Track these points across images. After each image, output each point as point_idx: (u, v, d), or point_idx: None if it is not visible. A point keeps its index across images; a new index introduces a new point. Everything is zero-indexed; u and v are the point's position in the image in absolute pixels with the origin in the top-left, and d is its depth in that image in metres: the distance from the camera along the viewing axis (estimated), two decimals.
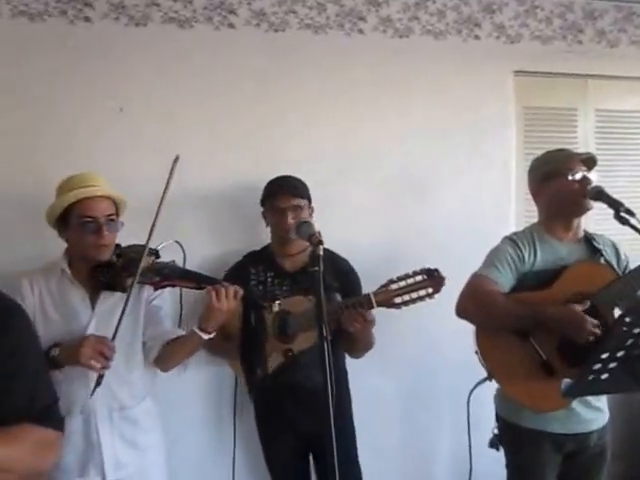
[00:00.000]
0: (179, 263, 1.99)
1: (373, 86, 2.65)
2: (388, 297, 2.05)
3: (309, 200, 2.30)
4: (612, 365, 1.57)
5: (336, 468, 1.25)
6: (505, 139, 2.85)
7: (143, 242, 1.92)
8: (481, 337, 2.04)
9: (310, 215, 2.28)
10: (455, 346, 2.40)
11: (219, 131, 2.50)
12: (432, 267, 2.06)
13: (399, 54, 2.67)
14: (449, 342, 2.62)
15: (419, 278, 2.05)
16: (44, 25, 2.33)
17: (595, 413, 2.07)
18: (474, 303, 2.01)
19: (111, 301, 1.95)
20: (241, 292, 1.88)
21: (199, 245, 2.38)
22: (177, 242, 2.02)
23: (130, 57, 2.41)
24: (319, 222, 1.89)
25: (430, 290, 2.05)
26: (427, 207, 2.74)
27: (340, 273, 2.26)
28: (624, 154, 3.05)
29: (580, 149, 2.75)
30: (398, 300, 2.05)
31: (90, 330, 1.90)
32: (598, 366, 1.56)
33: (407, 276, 2.06)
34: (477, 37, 2.77)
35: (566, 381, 1.89)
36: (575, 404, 1.99)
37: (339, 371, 2.29)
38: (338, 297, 2.18)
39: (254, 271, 2.28)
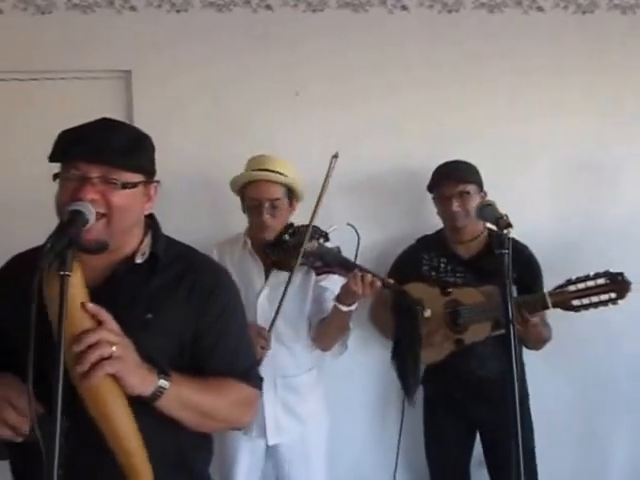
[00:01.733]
0: (353, 246, 2.04)
1: (550, 67, 2.52)
2: (565, 299, 1.98)
3: (479, 185, 2.23)
4: None
5: (521, 462, 1.21)
6: None
7: (317, 223, 2.03)
8: None
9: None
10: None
11: (388, 115, 2.52)
12: (616, 270, 1.95)
13: (582, 32, 2.52)
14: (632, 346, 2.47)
15: (601, 281, 1.96)
16: (231, 15, 2.49)
17: None
18: None
19: (281, 277, 2.05)
20: (378, 284, 1.90)
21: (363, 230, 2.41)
22: (350, 225, 2.07)
23: (307, 42, 2.50)
24: None
25: (613, 295, 1.95)
26: (605, 195, 2.56)
27: (519, 262, 2.14)
28: None
29: None
30: (576, 303, 1.98)
31: (261, 299, 2.05)
32: None
33: (587, 278, 1.97)
34: None
35: None
36: None
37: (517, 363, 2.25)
38: (514, 290, 2.09)
39: (427, 257, 2.27)
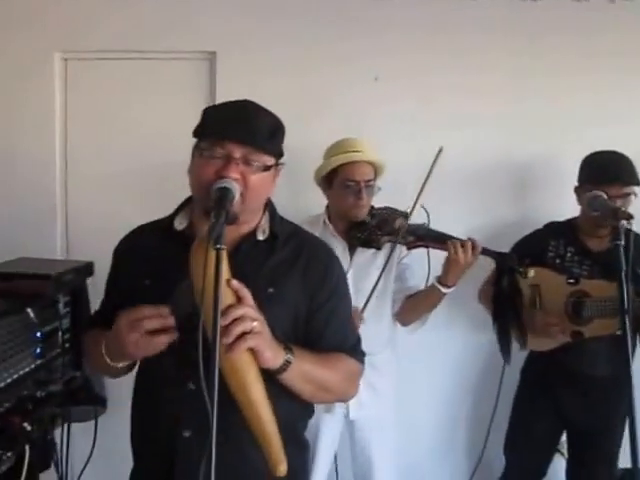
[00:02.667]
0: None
1: None
2: None
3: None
4: None
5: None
6: None
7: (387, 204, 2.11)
8: None
9: None
10: None
11: (478, 103, 2.52)
12: None
13: None
14: None
15: None
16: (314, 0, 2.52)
17: None
18: None
19: (366, 255, 2.13)
20: (479, 248, 1.94)
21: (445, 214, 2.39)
22: (422, 207, 2.11)
23: (388, 28, 2.51)
24: None
25: None
26: None
27: None
28: None
29: None
30: None
31: (348, 280, 2.08)
32: None
33: None
34: None
35: None
36: None
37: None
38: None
39: (554, 243, 2.21)
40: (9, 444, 1.48)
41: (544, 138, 2.46)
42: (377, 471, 2.21)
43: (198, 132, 1.27)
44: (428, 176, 2.05)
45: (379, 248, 2.08)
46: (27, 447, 1.49)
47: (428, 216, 2.10)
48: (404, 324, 2.22)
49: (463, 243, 1.96)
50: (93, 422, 1.96)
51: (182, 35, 2.55)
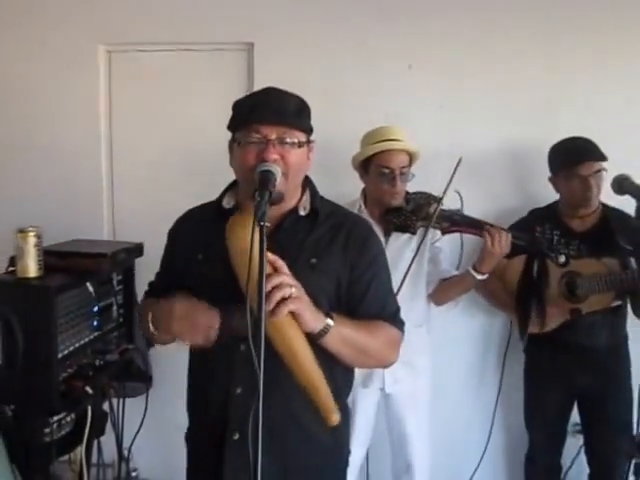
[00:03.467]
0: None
1: None
2: None
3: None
4: None
5: None
6: None
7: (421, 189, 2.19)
8: None
9: None
10: None
11: (503, 90, 2.58)
12: None
13: None
14: None
15: None
16: None
17: None
18: None
19: (401, 239, 2.22)
20: (511, 238, 2.03)
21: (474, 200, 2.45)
22: (457, 192, 2.18)
23: (421, 19, 2.58)
24: None
25: None
26: None
27: (635, 235, 2.18)
28: None
29: None
30: None
31: None
32: None
33: None
34: None
35: None
36: None
37: (620, 333, 2.35)
38: (633, 262, 2.15)
39: (539, 229, 2.28)
40: (73, 406, 1.60)
41: (570, 128, 2.45)
42: (411, 445, 2.31)
43: (233, 125, 1.37)
44: (451, 179, 2.13)
45: (414, 233, 2.17)
46: (89, 408, 1.60)
47: (462, 201, 2.17)
48: (438, 304, 2.32)
49: (500, 232, 2.03)
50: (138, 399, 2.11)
51: (220, 27, 2.64)
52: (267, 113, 1.30)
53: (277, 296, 1.17)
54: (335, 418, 1.24)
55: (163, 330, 1.36)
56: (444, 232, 2.18)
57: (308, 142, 1.38)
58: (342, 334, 1.30)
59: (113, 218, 2.82)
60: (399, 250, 2.20)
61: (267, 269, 1.16)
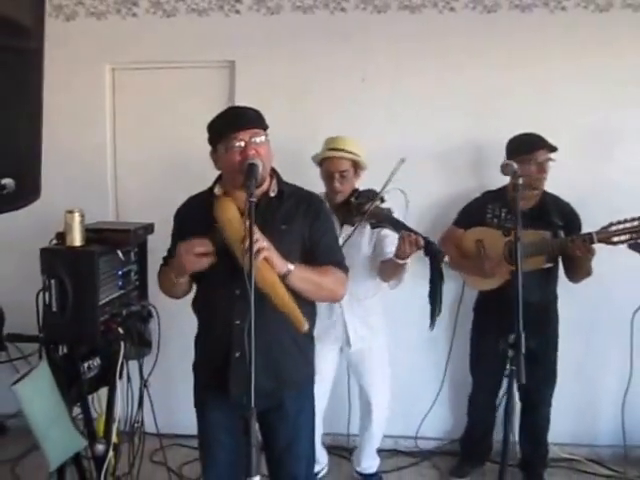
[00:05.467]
0: (403, 206, 2.63)
1: (569, 57, 3.07)
2: (608, 236, 2.51)
3: None
4: None
5: None
6: None
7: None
8: None
9: None
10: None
11: (440, 98, 3.15)
12: None
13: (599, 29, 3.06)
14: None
15: (636, 223, 2.47)
16: (313, 16, 3.16)
17: None
18: None
19: (350, 230, 2.67)
20: (422, 243, 2.43)
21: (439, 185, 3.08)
22: (400, 190, 2.60)
23: (373, 39, 3.14)
24: None
25: None
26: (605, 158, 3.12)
27: (565, 214, 2.77)
28: None
29: None
30: (616, 239, 2.50)
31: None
32: None
33: (625, 220, 2.48)
34: None
35: None
36: None
37: (551, 294, 2.90)
38: (561, 234, 2.69)
39: (491, 207, 2.84)
40: (109, 342, 2.13)
41: (496, 127, 3.01)
42: (373, 393, 2.91)
43: (214, 140, 1.89)
44: (389, 179, 2.52)
45: (353, 225, 2.63)
46: (122, 344, 2.14)
47: (405, 197, 2.60)
48: (383, 280, 2.76)
49: (409, 239, 2.39)
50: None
51: (206, 47, 3.19)
52: (241, 122, 1.85)
53: (255, 247, 1.63)
54: (305, 327, 1.80)
55: (177, 271, 1.90)
56: (372, 227, 2.65)
57: (267, 137, 1.90)
58: (302, 275, 1.84)
59: (117, 211, 3.38)
60: (349, 239, 2.63)
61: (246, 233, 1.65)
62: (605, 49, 3.04)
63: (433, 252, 2.47)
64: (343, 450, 3.33)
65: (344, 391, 3.19)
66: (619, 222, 2.50)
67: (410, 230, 2.46)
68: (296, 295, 1.85)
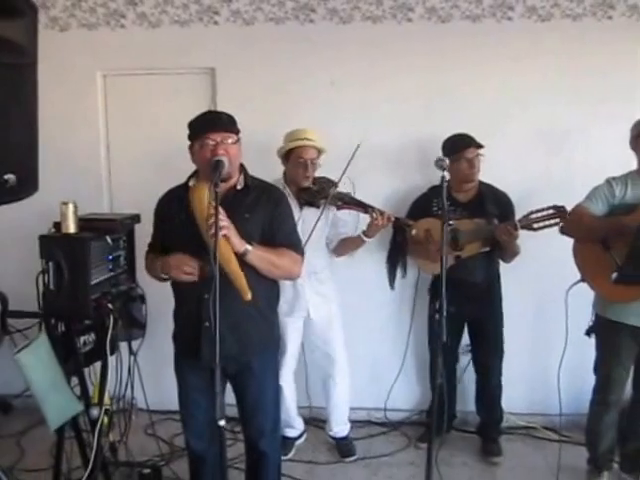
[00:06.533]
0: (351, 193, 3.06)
1: (515, 60, 3.38)
2: (529, 223, 2.89)
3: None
4: None
5: None
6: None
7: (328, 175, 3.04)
8: (576, 248, 2.81)
9: None
10: None
11: (397, 100, 3.46)
12: (560, 204, 2.84)
13: (541, 36, 3.38)
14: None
15: (551, 211, 2.84)
16: (284, 27, 3.47)
17: None
18: (569, 222, 2.78)
19: (310, 210, 3.07)
20: (392, 218, 2.90)
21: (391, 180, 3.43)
22: (349, 178, 3.03)
23: (340, 45, 3.44)
24: None
25: (558, 220, 2.83)
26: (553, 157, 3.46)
27: (500, 203, 3.13)
28: None
29: None
30: (536, 226, 2.88)
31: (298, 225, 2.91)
32: None
33: (543, 209, 2.85)
34: (610, 17, 3.34)
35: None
36: None
37: (494, 274, 3.26)
38: (496, 221, 3.03)
39: (435, 201, 3.17)
40: (101, 317, 2.45)
41: (444, 126, 3.26)
42: (334, 359, 3.25)
43: (192, 136, 2.19)
44: (349, 163, 2.92)
45: (318, 207, 3.02)
46: (112, 318, 2.46)
47: (353, 185, 3.04)
48: (337, 256, 3.26)
49: (382, 212, 2.91)
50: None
51: (188, 55, 3.50)
52: (214, 124, 2.17)
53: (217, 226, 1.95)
54: (249, 296, 2.11)
55: (164, 272, 2.26)
56: (338, 208, 3.07)
57: (238, 140, 2.22)
58: (259, 254, 2.16)
59: (112, 205, 3.70)
60: (309, 217, 3.02)
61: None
62: (547, 52, 3.36)
63: (401, 224, 2.98)
64: (321, 422, 3.60)
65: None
66: (537, 210, 2.85)
67: (376, 209, 2.89)
68: (257, 273, 2.17)
